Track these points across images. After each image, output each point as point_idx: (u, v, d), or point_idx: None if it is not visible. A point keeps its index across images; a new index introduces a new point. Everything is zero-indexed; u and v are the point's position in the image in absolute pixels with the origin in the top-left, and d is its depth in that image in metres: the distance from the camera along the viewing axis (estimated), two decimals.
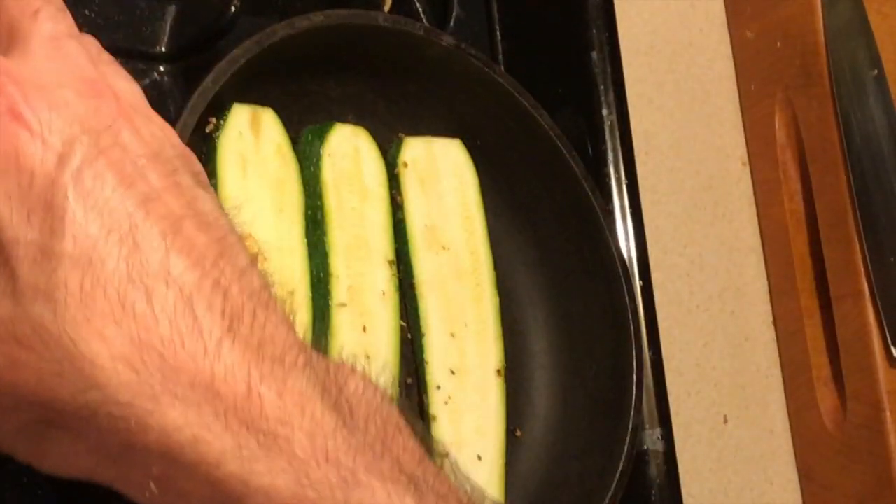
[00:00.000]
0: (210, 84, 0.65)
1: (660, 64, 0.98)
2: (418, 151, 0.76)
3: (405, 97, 0.76)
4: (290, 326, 0.51)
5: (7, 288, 0.47)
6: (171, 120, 0.64)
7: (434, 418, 0.73)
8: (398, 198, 0.75)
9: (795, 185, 0.98)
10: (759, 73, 0.99)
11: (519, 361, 0.78)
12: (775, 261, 0.98)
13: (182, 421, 0.47)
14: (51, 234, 0.47)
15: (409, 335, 0.74)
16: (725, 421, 0.94)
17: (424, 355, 0.74)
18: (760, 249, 1.00)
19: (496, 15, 0.92)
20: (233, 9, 0.73)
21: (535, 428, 0.78)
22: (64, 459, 0.50)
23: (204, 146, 0.69)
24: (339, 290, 0.71)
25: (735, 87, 1.02)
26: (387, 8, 0.82)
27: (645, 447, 0.83)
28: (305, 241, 0.71)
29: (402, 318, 0.74)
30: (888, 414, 0.90)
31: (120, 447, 0.48)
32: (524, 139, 0.78)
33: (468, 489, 0.54)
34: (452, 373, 0.74)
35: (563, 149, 0.77)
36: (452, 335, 0.75)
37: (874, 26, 0.95)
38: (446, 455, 0.72)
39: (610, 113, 0.88)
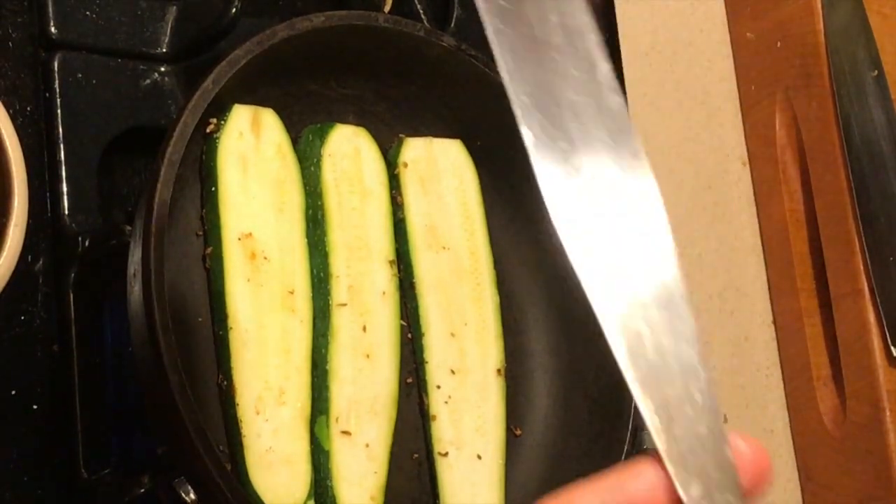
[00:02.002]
0: (211, 85, 0.65)
1: (660, 64, 0.98)
2: (418, 152, 0.77)
3: (405, 97, 0.77)
4: None
5: None
6: (172, 120, 0.65)
7: (434, 418, 0.73)
8: (398, 198, 0.75)
9: (795, 185, 0.98)
10: (759, 74, 1.00)
11: (519, 361, 0.78)
12: (775, 260, 0.99)
13: None
14: None
15: (409, 335, 0.75)
16: (725, 421, 0.94)
17: (424, 355, 0.74)
18: (760, 249, 1.00)
19: None
20: (233, 10, 0.73)
21: (535, 428, 0.78)
22: None
23: (204, 146, 0.69)
24: (340, 290, 0.71)
25: (735, 88, 1.02)
26: (387, 9, 0.82)
27: (645, 447, 0.83)
28: (306, 240, 0.71)
29: (402, 317, 0.74)
30: (888, 413, 0.90)
31: None
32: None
33: None
34: (452, 372, 0.74)
35: None
36: (452, 335, 0.75)
37: (874, 27, 0.95)
38: (445, 454, 0.73)
39: None
